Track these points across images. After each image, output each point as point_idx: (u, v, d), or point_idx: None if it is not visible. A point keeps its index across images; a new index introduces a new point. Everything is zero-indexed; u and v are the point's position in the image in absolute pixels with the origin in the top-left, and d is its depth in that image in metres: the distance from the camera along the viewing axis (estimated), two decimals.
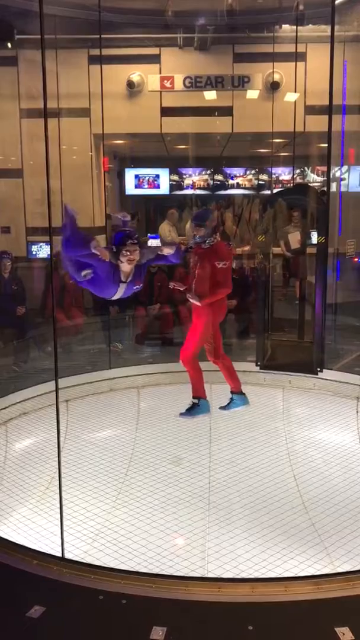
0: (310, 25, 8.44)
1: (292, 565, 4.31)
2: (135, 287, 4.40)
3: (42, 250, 9.99)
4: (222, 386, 6.80)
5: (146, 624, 2.81)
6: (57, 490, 4.02)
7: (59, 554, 3.66)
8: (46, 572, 3.30)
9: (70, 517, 4.83)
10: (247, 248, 9.79)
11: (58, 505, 3.99)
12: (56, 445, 4.01)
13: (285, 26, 8.90)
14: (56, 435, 4.05)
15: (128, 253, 4.13)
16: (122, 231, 4.23)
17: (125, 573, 3.48)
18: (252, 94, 9.65)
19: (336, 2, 6.53)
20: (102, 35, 7.77)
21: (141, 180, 12.20)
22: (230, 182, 12.38)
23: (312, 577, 3.71)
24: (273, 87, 9.54)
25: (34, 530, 4.69)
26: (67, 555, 3.78)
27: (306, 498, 5.22)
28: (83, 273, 4.19)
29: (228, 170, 12.35)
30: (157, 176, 12.15)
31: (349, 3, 7.14)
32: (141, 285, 4.45)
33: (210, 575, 4.18)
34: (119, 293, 4.41)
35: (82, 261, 4.15)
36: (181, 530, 4.77)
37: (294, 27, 8.07)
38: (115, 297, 4.48)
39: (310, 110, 8.78)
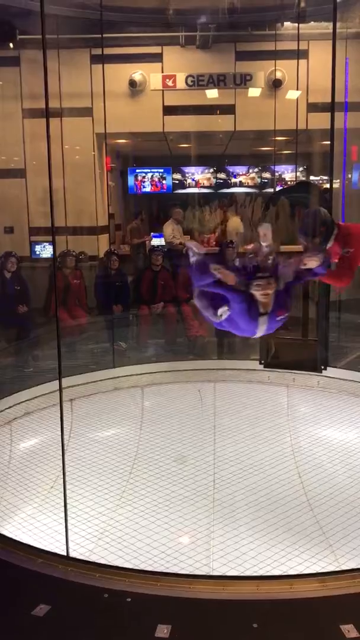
0: (312, 22, 8.41)
1: (297, 563, 4.31)
2: (279, 318, 3.78)
3: (46, 250, 10.02)
4: (226, 385, 6.83)
5: (151, 622, 2.81)
6: (62, 489, 4.03)
7: (64, 553, 3.67)
8: (51, 571, 3.31)
9: (75, 516, 4.83)
10: (250, 246, 9.77)
11: (63, 503, 3.99)
12: (60, 444, 4.02)
13: (287, 24, 8.88)
14: (60, 434, 4.07)
15: (259, 289, 3.58)
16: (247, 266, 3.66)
17: (130, 571, 3.48)
18: (254, 92, 9.63)
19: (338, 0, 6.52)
20: (104, 35, 7.78)
21: (141, 178, 12.21)
22: (233, 180, 12.38)
23: (317, 574, 3.70)
24: (275, 84, 9.52)
25: (39, 529, 4.70)
26: (72, 554, 3.79)
27: (311, 495, 5.22)
28: (219, 312, 3.70)
29: (231, 169, 12.35)
30: (166, 172, 12.15)
31: (351, 0, 7.12)
32: (287, 314, 3.82)
33: (215, 573, 4.18)
34: (261, 329, 3.81)
35: (215, 298, 3.70)
36: (186, 528, 4.78)
37: (296, 24, 8.05)
38: (258, 335, 3.90)
39: (313, 107, 8.76)
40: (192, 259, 3.97)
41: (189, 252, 4.08)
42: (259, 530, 4.71)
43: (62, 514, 4.03)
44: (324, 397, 6.50)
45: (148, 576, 3.33)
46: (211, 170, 12.35)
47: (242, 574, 4.13)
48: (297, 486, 5.35)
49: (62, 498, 4.02)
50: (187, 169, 12.34)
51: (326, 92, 6.44)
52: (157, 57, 9.92)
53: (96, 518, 4.89)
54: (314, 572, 4.06)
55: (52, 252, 8.91)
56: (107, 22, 8.03)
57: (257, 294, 3.60)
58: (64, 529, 3.88)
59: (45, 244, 10.01)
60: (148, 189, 12.32)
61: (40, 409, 6.23)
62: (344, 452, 5.78)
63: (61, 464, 4.01)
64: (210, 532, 4.68)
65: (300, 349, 6.93)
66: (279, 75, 9.54)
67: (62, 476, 4.06)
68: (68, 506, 4.04)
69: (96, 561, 3.98)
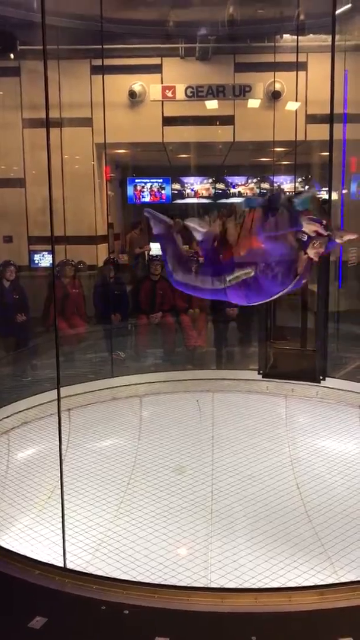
0: (311, 35, 8.48)
1: (295, 575, 4.28)
2: (303, 281, 3.80)
3: (45, 259, 10.02)
4: (225, 395, 6.82)
5: (149, 634, 2.78)
6: (59, 500, 4.01)
7: (61, 564, 3.64)
8: (48, 583, 3.28)
9: (73, 527, 4.80)
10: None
11: (60, 514, 3.97)
12: (58, 454, 4.00)
13: (286, 36, 8.95)
14: (58, 444, 4.06)
15: (319, 247, 3.54)
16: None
17: (128, 583, 3.45)
18: (253, 103, 9.69)
19: (337, 12, 6.57)
20: (104, 46, 7.83)
21: (140, 188, 12.26)
22: (232, 190, 12.42)
23: (316, 587, 3.68)
24: (274, 96, 9.58)
25: (36, 540, 4.68)
26: (69, 565, 3.76)
27: (309, 507, 5.19)
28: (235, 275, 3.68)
29: (230, 179, 12.39)
30: (165, 182, 12.18)
31: (350, 13, 7.18)
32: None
33: (213, 585, 4.15)
34: (286, 290, 3.75)
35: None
36: (184, 539, 4.75)
37: (295, 36, 8.11)
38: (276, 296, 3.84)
39: (312, 119, 8.82)
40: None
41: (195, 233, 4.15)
42: (258, 542, 4.69)
43: (60, 525, 4.00)
44: (322, 408, 6.49)
45: (146, 588, 3.30)
46: (210, 180, 12.39)
47: (240, 586, 4.09)
48: (296, 497, 5.33)
49: (60, 509, 3.99)
50: (186, 179, 12.39)
51: (325, 103, 6.49)
52: (157, 68, 9.99)
53: (94, 529, 4.86)
54: (313, 584, 4.04)
55: (51, 261, 8.91)
56: (108, 33, 8.08)
57: (313, 252, 3.59)
58: (62, 540, 3.85)
59: (44, 253, 10.02)
60: (147, 198, 12.37)
61: (38, 419, 6.21)
62: (343, 463, 5.76)
63: (59, 474, 3.99)
64: (209, 544, 4.65)
65: (299, 359, 6.93)
66: (278, 86, 9.60)
67: (59, 486, 4.04)
68: (65, 517, 4.01)
69: (93, 572, 3.96)
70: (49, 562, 3.66)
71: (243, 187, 12.36)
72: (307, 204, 3.72)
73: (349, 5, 6.97)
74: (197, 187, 12.45)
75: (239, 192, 12.37)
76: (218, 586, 4.10)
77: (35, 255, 10.11)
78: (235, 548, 4.57)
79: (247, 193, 12.31)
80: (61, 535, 3.90)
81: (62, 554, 3.80)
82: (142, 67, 10.03)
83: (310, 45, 8.73)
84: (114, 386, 6.85)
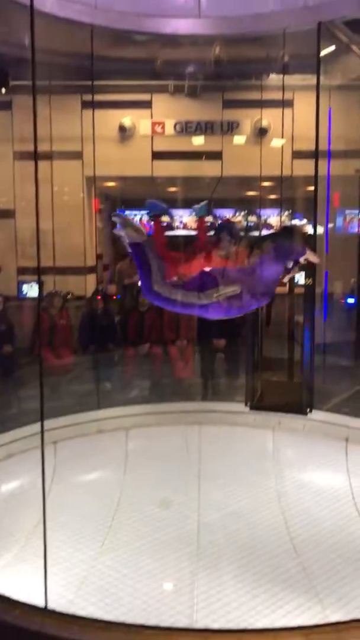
0: (296, 74, 8.72)
1: (282, 614, 4.20)
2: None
3: (33, 290, 10.03)
4: (212, 427, 6.78)
5: None
6: (42, 536, 3.93)
7: (43, 603, 3.55)
8: (29, 624, 3.20)
9: (55, 564, 4.70)
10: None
11: (42, 551, 3.89)
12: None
13: (273, 75, 9.18)
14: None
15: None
16: None
17: (110, 624, 3.37)
18: (239, 139, 9.91)
19: (321, 54, 6.77)
20: (95, 82, 7.99)
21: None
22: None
23: (301, 627, 3.61)
24: (261, 132, 9.78)
25: (17, 578, 4.56)
26: (51, 604, 3.66)
27: (297, 542, 5.13)
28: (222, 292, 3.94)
29: (218, 212, 12.55)
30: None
31: (334, 54, 7.40)
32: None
33: (198, 624, 4.06)
34: None
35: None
36: (168, 577, 4.66)
37: (281, 75, 8.32)
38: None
39: (298, 155, 8.99)
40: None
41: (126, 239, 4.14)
42: (244, 579, 4.61)
43: (42, 562, 3.92)
44: (309, 441, 6.46)
45: (129, 629, 3.23)
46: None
47: (225, 626, 4.01)
48: (283, 532, 5.27)
49: (42, 545, 3.91)
50: (175, 212, 12.52)
51: (310, 140, 6.63)
52: (147, 104, 10.20)
53: (77, 566, 4.76)
54: (300, 624, 3.96)
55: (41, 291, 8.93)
56: (98, 70, 8.25)
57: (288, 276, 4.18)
58: (43, 578, 3.76)
59: (32, 283, 10.04)
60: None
61: (23, 451, 6.11)
62: (330, 497, 5.72)
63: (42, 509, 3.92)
64: (193, 582, 4.56)
65: (286, 391, 6.93)
66: (264, 123, 9.81)
67: (42, 522, 3.97)
68: (48, 553, 3.93)
69: (76, 612, 3.87)
70: (30, 602, 3.58)
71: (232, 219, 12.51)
72: (204, 211, 4.44)
73: (333, 48, 7.19)
74: (186, 220, 12.57)
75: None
76: (203, 626, 4.01)
77: (24, 286, 10.12)
78: (220, 586, 4.49)
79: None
80: (43, 573, 3.82)
81: (43, 592, 3.71)
82: (132, 102, 10.25)
83: (296, 84, 8.96)
84: (100, 419, 6.78)
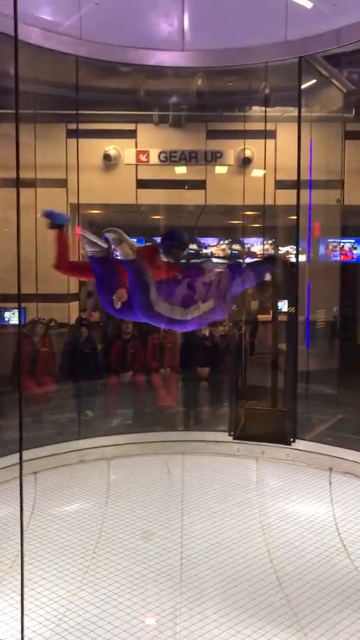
0: (278, 107, 8.89)
1: None
2: None
3: (15, 317, 9.94)
4: (195, 457, 6.71)
5: None
6: (20, 570, 3.81)
7: None
8: None
9: (33, 600, 4.56)
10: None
11: (20, 587, 3.76)
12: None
13: (256, 107, 9.35)
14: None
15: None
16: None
17: None
18: (221, 169, 10.04)
19: (302, 87, 6.93)
20: (80, 111, 8.07)
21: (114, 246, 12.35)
22: (205, 251, 12.61)
23: None
24: (245, 162, 9.91)
25: None
26: None
27: (281, 574, 5.04)
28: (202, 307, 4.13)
29: (202, 240, 12.61)
30: (139, 242, 12.31)
31: (314, 87, 7.57)
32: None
33: None
34: None
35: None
36: (149, 612, 4.54)
37: (264, 107, 8.49)
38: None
39: (280, 184, 9.11)
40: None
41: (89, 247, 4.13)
42: (227, 613, 4.50)
43: (19, 598, 3.79)
44: (293, 471, 6.41)
45: None
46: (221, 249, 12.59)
47: None
48: (267, 565, 5.17)
49: (20, 580, 3.79)
50: (159, 240, 12.56)
51: (292, 170, 6.73)
52: (131, 133, 10.29)
53: (55, 602, 4.62)
54: None
55: (21, 319, 8.85)
56: (83, 99, 8.35)
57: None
58: (20, 615, 3.63)
59: (15, 310, 9.95)
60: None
61: (2, 482, 5.98)
62: (314, 528, 5.65)
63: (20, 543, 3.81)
64: (175, 617, 4.44)
65: (269, 420, 6.89)
66: (248, 153, 9.94)
67: (20, 556, 3.86)
68: (26, 589, 3.82)
69: None
70: None
71: (215, 247, 12.57)
72: (65, 220, 4.52)
73: (314, 81, 7.35)
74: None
75: (212, 252, 12.57)
76: None
77: (6, 313, 10.03)
78: (203, 621, 4.37)
79: (219, 254, 12.51)
80: (20, 609, 3.69)
81: (20, 630, 3.59)
82: (117, 132, 10.34)
83: (278, 116, 9.12)
84: (81, 448, 6.69)
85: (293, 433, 6.45)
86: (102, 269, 4.14)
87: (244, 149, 9.86)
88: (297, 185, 6.60)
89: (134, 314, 4.14)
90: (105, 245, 4.10)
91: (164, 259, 4.32)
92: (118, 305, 4.02)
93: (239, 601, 4.65)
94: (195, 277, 4.18)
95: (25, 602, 3.75)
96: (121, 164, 10.36)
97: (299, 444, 6.46)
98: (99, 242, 4.07)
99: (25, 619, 4.05)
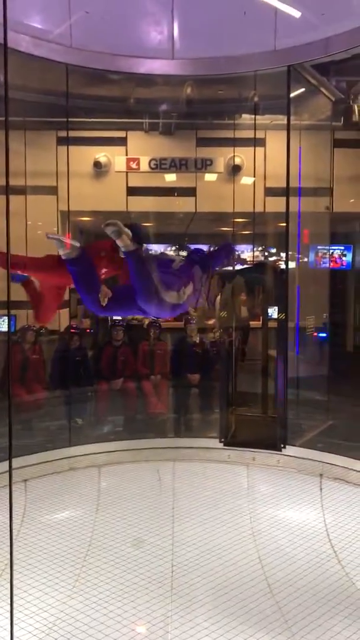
0: (266, 115, 8.96)
1: None
2: None
3: (5, 324, 9.90)
4: (185, 464, 6.70)
5: None
6: (9, 579, 3.78)
7: None
8: None
9: (23, 609, 4.53)
10: (211, 322, 9.87)
11: (9, 595, 3.74)
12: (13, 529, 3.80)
13: (245, 115, 9.42)
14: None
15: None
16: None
17: None
18: (211, 177, 10.09)
19: (291, 95, 6.98)
20: (70, 119, 8.09)
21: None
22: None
23: None
24: (234, 170, 9.96)
25: None
26: None
27: (272, 581, 5.04)
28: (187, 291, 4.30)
29: (192, 247, 12.62)
30: None
31: (303, 96, 7.64)
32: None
33: None
34: None
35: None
36: (140, 620, 4.52)
37: (253, 115, 8.55)
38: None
39: (270, 192, 9.16)
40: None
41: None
42: (218, 621, 4.48)
43: (8, 607, 3.76)
44: (283, 477, 6.42)
45: None
46: (173, 248, 12.61)
47: None
48: (258, 571, 5.17)
49: (9, 589, 3.76)
50: (149, 246, 12.57)
51: (282, 178, 6.77)
52: (122, 141, 10.32)
53: (45, 610, 4.58)
54: None
55: (10, 326, 8.82)
56: (74, 107, 8.37)
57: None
58: (9, 624, 3.61)
59: (4, 317, 9.91)
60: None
61: None
62: (305, 534, 5.65)
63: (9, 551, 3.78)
64: (167, 625, 4.42)
65: (259, 426, 6.90)
66: (237, 161, 10.00)
67: (10, 564, 3.83)
68: (15, 597, 3.79)
69: None
70: None
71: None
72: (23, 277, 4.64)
73: (302, 89, 7.41)
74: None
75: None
76: None
77: None
78: (194, 629, 4.36)
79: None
80: (9, 618, 3.66)
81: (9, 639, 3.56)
82: (107, 139, 10.36)
83: (268, 124, 9.18)
84: (71, 455, 6.65)
85: (283, 439, 6.46)
86: (79, 268, 4.12)
87: (234, 156, 9.92)
88: (286, 192, 6.64)
89: (120, 309, 4.24)
90: (77, 244, 4.12)
91: (122, 255, 4.18)
92: (104, 302, 4.01)
93: (230, 608, 4.65)
94: (169, 266, 4.22)
95: (14, 611, 3.75)
96: (111, 172, 10.38)
97: (290, 450, 6.47)
98: (72, 242, 4.09)
99: (15, 628, 4.02)
